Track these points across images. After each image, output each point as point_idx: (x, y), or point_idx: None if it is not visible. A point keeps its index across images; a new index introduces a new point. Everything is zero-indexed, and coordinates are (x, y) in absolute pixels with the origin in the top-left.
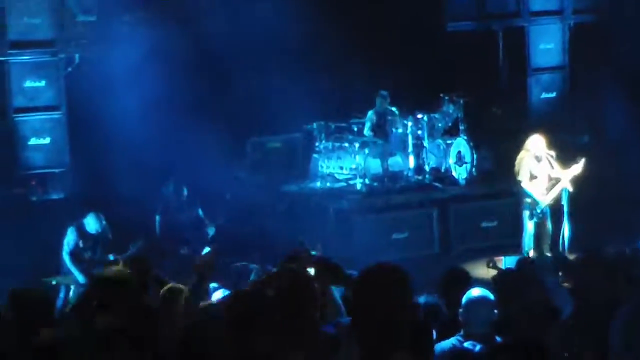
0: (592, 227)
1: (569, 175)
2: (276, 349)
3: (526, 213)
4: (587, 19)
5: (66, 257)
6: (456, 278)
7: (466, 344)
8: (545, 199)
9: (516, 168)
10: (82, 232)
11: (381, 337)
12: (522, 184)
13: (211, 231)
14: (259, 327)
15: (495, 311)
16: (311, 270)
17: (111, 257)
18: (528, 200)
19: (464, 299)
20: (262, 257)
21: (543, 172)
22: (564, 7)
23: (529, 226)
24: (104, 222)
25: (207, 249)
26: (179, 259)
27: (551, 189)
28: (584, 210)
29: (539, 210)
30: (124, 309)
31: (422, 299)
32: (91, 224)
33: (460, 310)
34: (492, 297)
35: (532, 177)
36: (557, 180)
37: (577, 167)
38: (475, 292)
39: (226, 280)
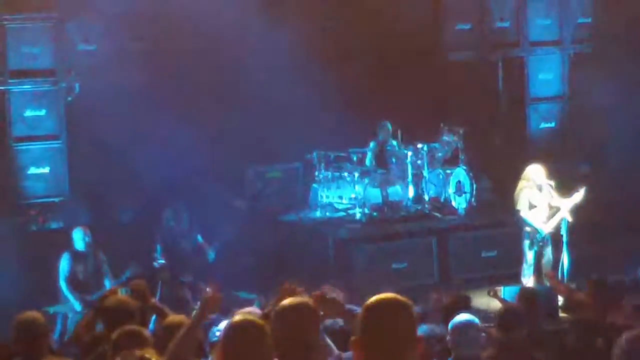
0: (591, 256)
1: (569, 203)
2: None
3: (526, 242)
4: (586, 48)
5: (62, 284)
6: (457, 304)
7: None
8: (545, 228)
9: (515, 198)
10: (75, 256)
11: None
12: (522, 214)
13: (211, 256)
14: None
15: (483, 334)
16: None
17: (107, 283)
18: (528, 229)
19: (450, 325)
20: (263, 286)
21: (543, 201)
22: (563, 38)
23: (529, 256)
24: (89, 235)
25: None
26: (181, 287)
27: (551, 217)
28: (584, 239)
29: (539, 239)
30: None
31: (424, 328)
32: (77, 238)
33: (448, 336)
34: (477, 321)
35: (532, 206)
36: (558, 209)
37: (578, 196)
38: (462, 316)
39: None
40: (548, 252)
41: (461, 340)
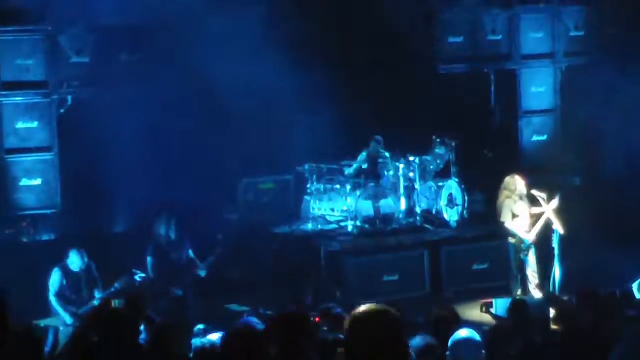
0: (583, 269)
1: (548, 209)
2: None
3: (511, 253)
4: (578, 61)
5: (52, 299)
6: (445, 319)
7: None
8: (529, 236)
9: (498, 209)
10: (66, 272)
11: None
12: (506, 224)
13: (202, 273)
14: None
15: (483, 352)
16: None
17: (97, 294)
18: (512, 239)
19: (450, 340)
20: (255, 299)
21: (524, 211)
22: (555, 51)
23: (514, 265)
24: (86, 259)
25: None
26: (170, 300)
27: (533, 225)
28: (575, 251)
29: (524, 248)
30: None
31: (417, 340)
32: (74, 261)
33: (447, 352)
34: (478, 337)
35: (514, 216)
36: (539, 217)
37: (554, 202)
38: (462, 332)
39: (218, 322)
40: (533, 260)
41: (460, 357)
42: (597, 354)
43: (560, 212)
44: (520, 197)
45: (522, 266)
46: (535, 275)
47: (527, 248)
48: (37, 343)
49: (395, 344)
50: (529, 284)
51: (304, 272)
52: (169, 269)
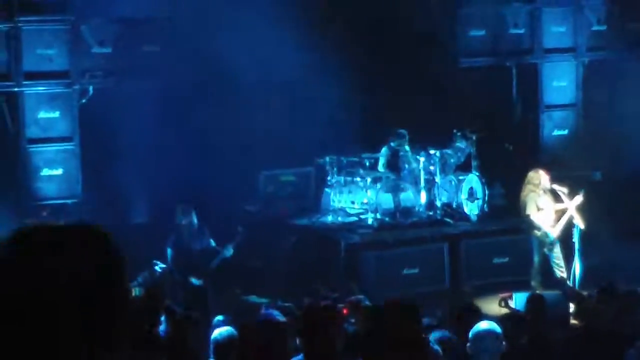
0: (604, 265)
1: (572, 204)
2: None
3: (535, 247)
4: (600, 56)
5: None
6: (468, 312)
7: None
8: (554, 231)
9: (522, 203)
10: None
11: None
12: (531, 218)
13: (229, 253)
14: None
15: (504, 343)
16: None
17: None
18: (537, 232)
19: (471, 332)
20: (273, 290)
21: (548, 205)
22: (578, 45)
23: (536, 259)
24: None
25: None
26: (190, 291)
27: (558, 220)
28: (596, 247)
29: (548, 242)
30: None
31: (436, 334)
32: None
33: (468, 343)
34: (499, 330)
35: (538, 210)
36: (564, 212)
37: (578, 198)
38: (483, 324)
39: (237, 314)
40: (557, 255)
41: (481, 348)
42: (616, 351)
43: (583, 207)
44: (544, 192)
45: (546, 260)
46: (563, 269)
47: (552, 242)
48: None
49: (414, 337)
50: (553, 278)
51: (324, 265)
52: (189, 259)
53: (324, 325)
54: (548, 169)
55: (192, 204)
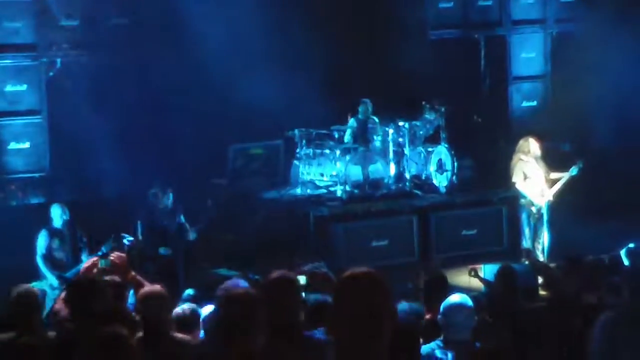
0: (573, 237)
1: (567, 174)
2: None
3: (524, 215)
4: (568, 28)
5: (39, 261)
6: (436, 284)
7: (438, 352)
8: (541, 200)
9: (510, 170)
10: (52, 232)
11: (359, 345)
12: (517, 185)
13: (193, 236)
14: (249, 329)
15: (475, 317)
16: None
17: (84, 257)
18: (523, 201)
19: (442, 305)
20: (243, 263)
21: (538, 173)
22: (546, 17)
23: (527, 229)
24: (67, 212)
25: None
26: (160, 264)
27: (551, 187)
28: (565, 219)
29: (534, 211)
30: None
31: (404, 305)
32: (55, 214)
33: (439, 315)
34: (470, 303)
35: (526, 178)
36: (557, 180)
37: (574, 169)
38: (454, 297)
39: (207, 287)
40: (542, 228)
41: (452, 322)
42: (581, 321)
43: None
44: (536, 160)
45: (534, 230)
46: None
47: (538, 211)
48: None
49: (384, 308)
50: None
51: (293, 238)
52: (160, 233)
53: (283, 295)
54: (516, 140)
55: (168, 187)
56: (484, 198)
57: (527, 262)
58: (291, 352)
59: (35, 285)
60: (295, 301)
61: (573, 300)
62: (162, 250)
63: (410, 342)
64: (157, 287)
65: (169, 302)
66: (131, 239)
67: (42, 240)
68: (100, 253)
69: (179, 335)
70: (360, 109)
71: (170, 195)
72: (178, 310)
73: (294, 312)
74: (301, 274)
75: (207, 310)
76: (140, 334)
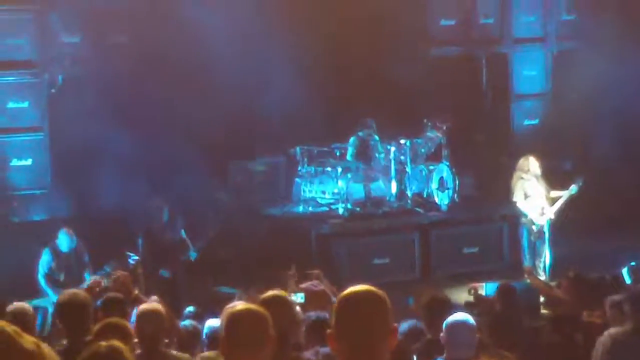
0: (574, 254)
1: (567, 193)
2: None
3: (524, 233)
4: (570, 45)
5: (41, 280)
6: (437, 302)
7: None
8: (541, 219)
9: (511, 189)
10: (56, 253)
11: None
12: (518, 204)
13: (193, 255)
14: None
15: (477, 335)
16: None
17: (87, 276)
18: (524, 219)
19: (445, 323)
20: (244, 281)
21: (538, 192)
22: (548, 34)
23: (527, 247)
24: (75, 240)
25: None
26: (160, 282)
27: (551, 205)
28: (566, 236)
29: (535, 230)
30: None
31: (406, 324)
32: (63, 241)
33: (442, 334)
34: (472, 321)
35: (526, 196)
36: (557, 199)
37: (573, 187)
38: (457, 316)
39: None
40: (543, 246)
41: (454, 340)
42: (583, 338)
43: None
44: (536, 178)
45: (534, 248)
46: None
47: (538, 231)
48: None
49: (384, 324)
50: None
51: (295, 255)
52: (160, 250)
53: (277, 313)
54: (517, 158)
55: (164, 202)
56: (485, 215)
57: (528, 280)
58: None
59: (37, 303)
60: (285, 320)
61: (575, 318)
62: (163, 272)
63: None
64: (154, 305)
65: (166, 319)
66: (136, 257)
67: (44, 259)
68: (103, 272)
69: (176, 353)
70: (362, 128)
71: (165, 211)
72: (179, 327)
73: (284, 330)
74: (299, 291)
75: (209, 326)
76: (138, 351)
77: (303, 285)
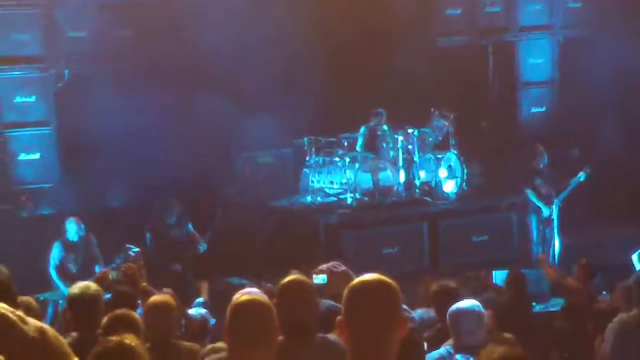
0: (582, 241)
1: (575, 181)
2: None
3: (533, 221)
4: (576, 33)
5: (52, 272)
6: (445, 291)
7: (459, 357)
8: (550, 206)
9: (519, 177)
10: (66, 246)
11: (369, 351)
12: (526, 192)
13: (203, 247)
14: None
15: (485, 321)
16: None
17: (98, 269)
18: (532, 207)
19: (450, 310)
20: (254, 272)
21: (546, 179)
22: (554, 22)
23: (536, 235)
24: (83, 227)
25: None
26: (170, 276)
27: (559, 193)
28: (574, 224)
29: (544, 217)
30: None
31: (416, 313)
32: (71, 230)
33: (449, 321)
34: (480, 308)
35: (535, 184)
36: (565, 186)
37: (581, 175)
38: (463, 303)
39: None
40: (552, 233)
41: (458, 328)
42: (593, 325)
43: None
44: (544, 166)
45: (543, 236)
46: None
47: (547, 218)
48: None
49: (394, 315)
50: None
51: (304, 246)
52: (169, 244)
53: (295, 298)
54: (525, 146)
55: (172, 201)
56: (493, 204)
57: (538, 268)
58: (305, 352)
59: (48, 296)
60: (307, 303)
61: (585, 305)
62: (172, 266)
63: (413, 348)
64: (164, 297)
65: (175, 311)
66: (136, 249)
67: (55, 252)
68: (113, 265)
69: (186, 343)
70: (374, 117)
71: (174, 209)
72: (190, 318)
73: (307, 313)
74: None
75: (217, 317)
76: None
77: (324, 266)
